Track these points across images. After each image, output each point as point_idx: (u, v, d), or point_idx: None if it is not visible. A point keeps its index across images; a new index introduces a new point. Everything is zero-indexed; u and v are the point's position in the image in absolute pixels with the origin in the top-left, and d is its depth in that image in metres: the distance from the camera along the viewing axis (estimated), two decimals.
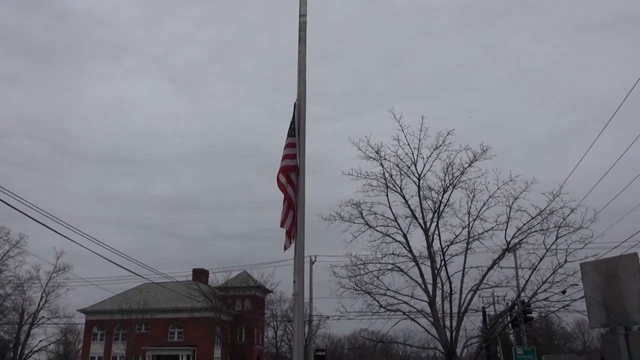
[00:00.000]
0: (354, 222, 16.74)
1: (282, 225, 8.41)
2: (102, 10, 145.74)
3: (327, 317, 49.87)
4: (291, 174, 8.53)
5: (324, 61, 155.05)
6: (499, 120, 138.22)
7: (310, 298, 40.18)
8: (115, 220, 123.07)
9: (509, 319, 19.32)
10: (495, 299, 33.29)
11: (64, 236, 17.60)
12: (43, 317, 60.99)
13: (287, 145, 8.77)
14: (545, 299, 15.71)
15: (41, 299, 60.10)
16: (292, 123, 8.95)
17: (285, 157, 8.67)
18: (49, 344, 68.07)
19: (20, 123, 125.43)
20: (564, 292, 16.30)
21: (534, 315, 28.16)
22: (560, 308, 15.77)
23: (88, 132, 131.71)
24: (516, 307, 17.94)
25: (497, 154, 16.31)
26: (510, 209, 15.70)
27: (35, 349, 64.84)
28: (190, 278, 62.82)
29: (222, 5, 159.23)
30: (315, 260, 40.99)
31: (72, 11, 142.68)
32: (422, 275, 16.38)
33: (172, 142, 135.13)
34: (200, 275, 63.71)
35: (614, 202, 21.20)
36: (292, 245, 8.48)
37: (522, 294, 16.27)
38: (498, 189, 16.11)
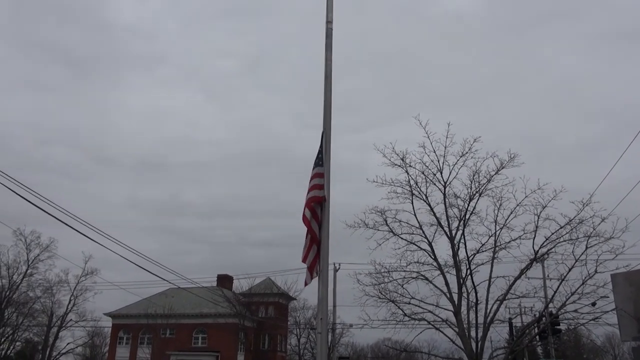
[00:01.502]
0: (378, 230, 16.64)
1: (304, 261, 8.25)
2: (141, 23, 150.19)
3: (351, 325, 49.67)
4: (316, 207, 8.35)
5: (353, 71, 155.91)
6: (528, 130, 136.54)
7: (334, 306, 40.10)
8: (145, 226, 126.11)
9: (536, 330, 18.89)
10: (523, 309, 32.65)
11: (93, 240, 17.88)
12: (71, 320, 62.14)
13: (315, 176, 8.60)
14: (575, 311, 15.34)
15: (69, 302, 61.27)
16: (320, 152, 8.81)
17: (313, 187, 8.49)
18: (76, 347, 69.24)
19: (59, 132, 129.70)
20: (593, 304, 15.90)
21: (562, 327, 27.54)
22: (589, 320, 15.38)
23: (123, 141, 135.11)
24: (544, 318, 17.52)
25: (525, 162, 16.07)
26: (538, 218, 15.41)
27: (63, 351, 65.99)
28: (215, 284, 63.35)
29: (255, 17, 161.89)
30: (339, 268, 40.90)
31: (112, 24, 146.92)
32: (447, 284, 16.17)
33: (202, 151, 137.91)
34: (224, 281, 64.08)
35: None
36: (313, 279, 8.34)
37: (550, 305, 15.90)
38: (526, 197, 15.84)
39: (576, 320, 15.83)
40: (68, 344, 65.32)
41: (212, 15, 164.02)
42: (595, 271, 14.53)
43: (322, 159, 8.71)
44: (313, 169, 8.74)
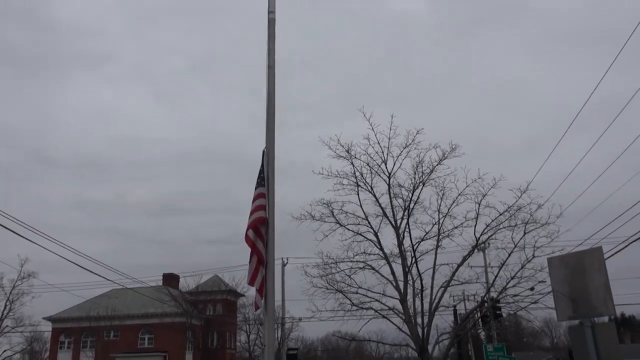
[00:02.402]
0: (324, 221, 16.74)
1: (251, 283, 8.00)
2: (87, 20, 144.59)
3: (300, 319, 49.76)
4: (261, 227, 8.13)
5: (304, 69, 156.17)
6: (471, 128, 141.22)
7: (283, 300, 40.09)
8: (91, 228, 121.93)
9: (478, 315, 19.54)
10: (466, 296, 33.68)
11: (28, 239, 17.13)
12: (7, 326, 59.24)
13: (258, 196, 8.34)
14: (515, 295, 15.94)
15: (5, 308, 58.37)
16: (261, 172, 8.56)
17: (255, 209, 8.23)
18: (14, 354, 66.14)
19: None
20: (532, 288, 16.58)
21: (504, 312, 28.60)
22: (529, 304, 16.01)
23: (67, 141, 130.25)
24: (486, 303, 18.13)
25: (468, 157, 16.54)
26: (479, 206, 15.91)
27: (0, 359, 63.02)
28: (161, 283, 62.01)
29: (204, 16, 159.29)
30: (287, 263, 40.85)
31: (57, 21, 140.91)
32: (393, 273, 16.46)
33: (151, 150, 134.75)
34: (170, 280, 62.79)
35: (579, 204, 21.77)
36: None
37: (492, 289, 16.46)
38: (467, 186, 16.31)
39: (516, 304, 16.43)
40: (5, 351, 62.38)
41: (161, 14, 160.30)
42: (533, 255, 15.16)
43: (263, 179, 8.48)
44: (255, 189, 8.47)
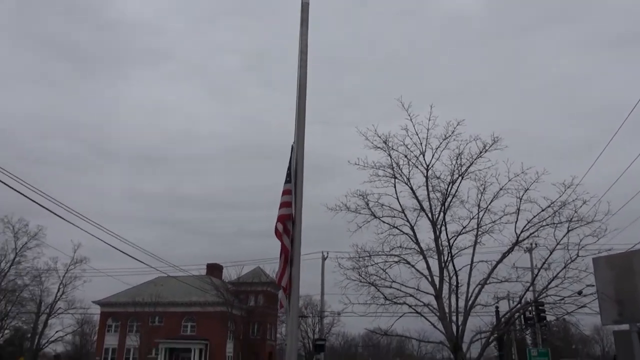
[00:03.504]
0: (359, 213, 16.41)
1: (279, 284, 7.85)
2: (147, 19, 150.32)
3: (339, 314, 49.58)
4: (288, 223, 7.98)
5: (350, 67, 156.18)
6: (521, 127, 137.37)
7: (322, 294, 39.95)
8: (144, 218, 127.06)
9: (518, 316, 18.76)
10: (511, 297, 32.61)
11: (80, 228, 17.74)
12: (60, 308, 61.87)
13: (284, 192, 8.20)
14: (561, 299, 15.15)
15: (58, 290, 60.97)
16: (289, 168, 8.36)
17: (282, 205, 8.11)
18: (65, 335, 69.07)
19: (61, 126, 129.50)
20: (580, 292, 15.77)
21: (549, 316, 27.44)
22: (576, 308, 15.21)
23: (124, 134, 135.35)
24: (523, 304, 17.36)
25: (515, 157, 15.76)
26: (520, 201, 15.21)
27: (52, 339, 65.81)
28: (205, 273, 63.20)
29: (259, 15, 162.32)
30: (327, 257, 40.69)
31: (118, 20, 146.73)
32: (429, 268, 15.98)
33: (203, 145, 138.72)
34: (214, 270, 63.89)
35: (632, 205, 20.61)
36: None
37: (532, 288, 15.72)
38: (509, 180, 15.62)
39: (560, 307, 15.63)
40: (57, 331, 65.19)
41: (217, 13, 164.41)
42: (577, 255, 14.37)
43: (290, 175, 8.31)
44: (284, 184, 8.33)
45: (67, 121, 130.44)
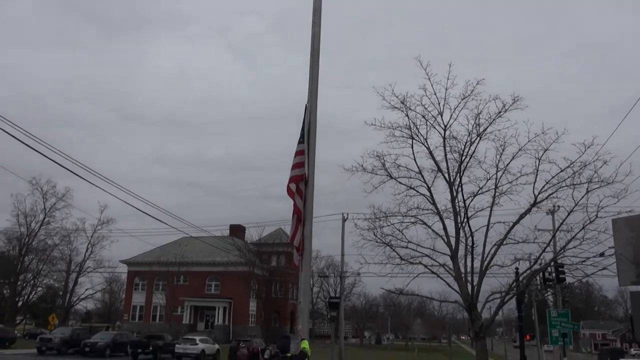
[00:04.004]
0: (376, 174, 16.35)
1: (292, 241, 7.99)
2: None
3: (359, 274, 50.05)
4: (300, 184, 8.04)
5: (382, 27, 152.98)
6: (554, 89, 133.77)
7: (342, 255, 40.25)
8: (170, 181, 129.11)
9: (534, 276, 18.68)
10: (530, 256, 32.50)
11: (105, 190, 18.03)
12: (89, 267, 63.87)
13: (297, 153, 8.21)
14: (583, 261, 15.00)
15: (87, 250, 62.81)
16: (302, 129, 8.35)
17: (294, 166, 8.15)
18: (95, 292, 71.46)
19: (88, 90, 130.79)
20: (602, 254, 15.60)
21: (568, 278, 27.27)
22: (597, 271, 15.06)
23: (149, 98, 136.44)
24: (541, 263, 17.26)
25: (541, 119, 15.32)
26: (539, 161, 14.93)
27: (82, 296, 68.19)
28: (228, 234, 64.26)
29: None
30: (347, 218, 40.82)
31: None
32: (445, 228, 15.96)
33: (228, 108, 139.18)
34: (236, 231, 64.90)
35: None
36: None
37: (549, 249, 15.60)
38: (529, 141, 15.31)
39: (580, 270, 15.48)
40: (87, 289, 67.47)
41: None
42: (596, 216, 14.14)
43: (303, 135, 8.26)
44: (297, 144, 8.32)
45: (93, 85, 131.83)
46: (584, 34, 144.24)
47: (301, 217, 7.97)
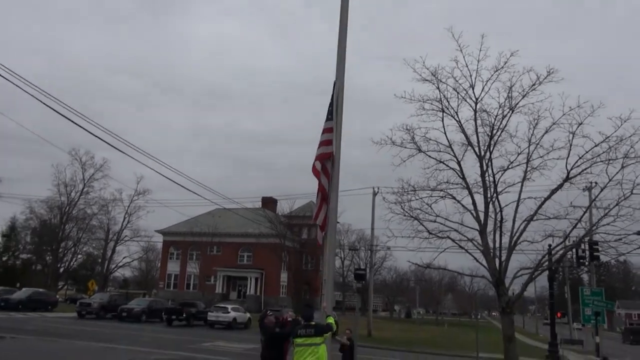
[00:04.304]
0: (405, 147, 16.22)
1: (315, 220, 7.98)
2: None
3: (389, 248, 50.22)
4: (327, 163, 7.94)
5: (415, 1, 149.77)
6: (600, 61, 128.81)
7: (372, 229, 40.37)
8: (206, 152, 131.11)
9: (565, 253, 18.36)
10: (565, 233, 32.02)
11: (141, 162, 18.47)
12: (126, 236, 65.87)
13: (325, 131, 8.07)
14: (620, 239, 14.66)
15: (124, 220, 64.70)
16: (331, 105, 8.20)
17: (322, 143, 8.03)
18: (132, 261, 73.84)
19: (128, 62, 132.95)
20: (639, 232, 15.23)
21: (603, 256, 26.71)
22: (634, 250, 14.71)
23: (188, 71, 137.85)
24: (572, 240, 16.95)
25: (594, 98, 14.81)
26: (573, 136, 14.54)
27: (120, 264, 70.54)
28: (260, 206, 65.02)
29: None
30: (378, 192, 40.76)
31: None
32: (474, 203, 15.81)
33: (264, 80, 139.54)
34: (269, 203, 65.58)
35: None
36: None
37: (580, 225, 15.27)
38: (563, 115, 14.92)
39: (613, 248, 15.15)
40: (124, 257, 69.74)
41: None
42: (632, 192, 13.77)
43: (332, 112, 8.12)
44: (325, 122, 8.18)
45: (133, 57, 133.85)
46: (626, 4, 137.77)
47: (326, 195, 7.93)
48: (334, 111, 8.20)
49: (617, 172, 13.90)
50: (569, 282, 45.92)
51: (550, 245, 24.66)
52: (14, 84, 12.48)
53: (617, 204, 14.00)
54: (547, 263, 16.13)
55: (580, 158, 14.66)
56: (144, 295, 69.04)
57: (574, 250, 25.58)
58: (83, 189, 62.74)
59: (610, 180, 14.04)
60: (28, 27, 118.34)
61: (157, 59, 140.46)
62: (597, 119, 14.07)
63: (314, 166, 8.06)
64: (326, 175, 8.02)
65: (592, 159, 14.55)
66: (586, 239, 19.90)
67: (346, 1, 9.16)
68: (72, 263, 67.22)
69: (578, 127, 14.40)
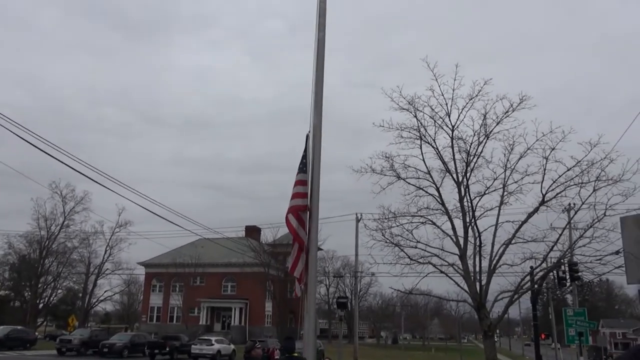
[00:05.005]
0: (385, 174, 16.51)
1: (291, 272, 7.75)
2: None
3: (373, 274, 50.19)
4: (302, 214, 7.82)
5: (397, 28, 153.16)
6: (576, 84, 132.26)
7: (356, 255, 40.48)
8: (190, 182, 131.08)
9: (545, 275, 18.65)
10: (544, 255, 32.47)
11: (122, 195, 18.47)
12: (107, 269, 64.73)
13: (297, 183, 7.97)
14: (599, 259, 14.99)
15: (105, 252, 63.71)
16: (304, 157, 8.13)
17: (295, 195, 7.91)
18: (114, 294, 72.34)
19: (112, 93, 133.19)
20: (617, 252, 15.59)
21: (585, 276, 27.10)
22: (612, 269, 15.05)
23: (171, 101, 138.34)
24: (552, 261, 17.28)
25: (570, 117, 15.34)
26: (546, 161, 14.97)
27: (102, 298, 69.16)
28: (243, 234, 64.70)
29: None
30: (361, 218, 40.96)
31: None
32: (454, 228, 16.06)
33: (247, 110, 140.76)
34: (252, 232, 65.33)
35: None
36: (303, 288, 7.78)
37: (556, 247, 15.59)
38: (537, 140, 15.37)
39: (591, 269, 15.48)
40: (106, 291, 68.33)
41: None
42: (604, 214, 14.16)
43: (305, 164, 8.05)
44: (297, 174, 8.09)
45: (116, 89, 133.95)
46: (602, 28, 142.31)
47: (304, 246, 7.77)
48: (309, 164, 8.11)
49: (589, 195, 14.34)
50: (553, 303, 46.30)
51: (532, 267, 25.03)
52: None
53: (591, 226, 14.37)
54: (527, 285, 16.36)
55: (554, 182, 15.09)
56: (125, 329, 67.69)
57: (555, 271, 25.96)
58: (63, 222, 61.86)
59: (583, 203, 14.45)
60: (8, 59, 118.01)
61: (139, 91, 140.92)
62: (569, 143, 14.55)
63: (287, 220, 7.87)
64: (303, 227, 7.84)
65: (566, 182, 14.98)
66: (565, 260, 20.28)
67: (323, 27, 9.31)
68: (52, 298, 65.80)
69: (551, 152, 14.87)
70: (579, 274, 26.22)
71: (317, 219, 8.17)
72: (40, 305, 62.72)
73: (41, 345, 42.63)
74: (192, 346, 35.59)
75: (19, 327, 42.98)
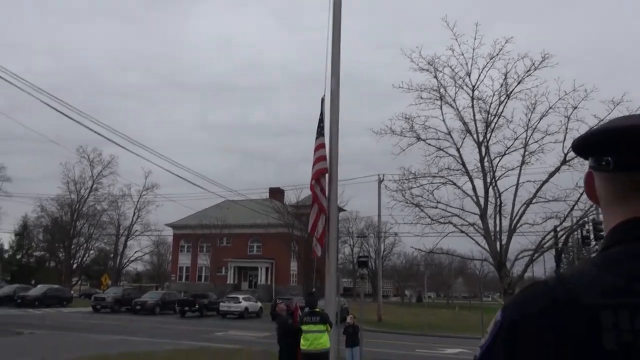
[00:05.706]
0: (404, 136, 16.56)
1: (311, 233, 8.02)
2: None
3: (396, 234, 50.60)
4: (322, 178, 8.01)
5: None
6: (597, 41, 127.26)
7: (379, 215, 40.82)
8: (214, 146, 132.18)
9: (564, 234, 18.67)
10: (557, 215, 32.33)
11: (147, 159, 18.97)
12: (137, 230, 66.77)
13: (318, 147, 8.09)
14: None
15: (134, 214, 65.59)
16: (321, 121, 8.22)
17: (317, 160, 8.06)
18: (144, 255, 74.79)
19: (136, 59, 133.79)
20: None
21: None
22: None
23: (196, 65, 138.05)
24: (572, 221, 17.30)
25: (593, 77, 15.11)
26: (568, 120, 14.83)
27: (132, 259, 71.57)
28: (267, 196, 65.54)
29: None
30: (383, 179, 41.13)
31: None
32: (474, 188, 16.14)
33: (271, 73, 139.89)
34: (276, 193, 66.09)
35: None
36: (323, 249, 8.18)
37: (580, 206, 15.53)
38: (559, 99, 15.18)
39: None
40: (136, 251, 70.67)
41: None
42: None
43: (323, 128, 8.21)
44: (316, 139, 8.25)
45: (141, 55, 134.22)
46: None
47: (324, 209, 8.04)
48: (326, 126, 8.31)
49: None
50: (578, 263, 46.28)
51: (556, 226, 25.02)
52: (20, 88, 12.94)
53: None
54: (547, 244, 16.44)
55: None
56: (156, 288, 70.01)
57: (579, 230, 25.91)
58: (92, 185, 63.66)
59: None
60: (33, 28, 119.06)
61: (163, 56, 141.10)
62: (591, 102, 14.36)
63: (311, 184, 8.18)
64: (322, 189, 8.12)
65: None
66: (589, 218, 20.23)
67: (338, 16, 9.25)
68: (84, 259, 68.28)
69: (573, 110, 14.70)
70: (603, 232, 26.19)
71: (336, 180, 8.41)
72: (74, 266, 65.17)
73: (77, 303, 44.60)
74: (221, 304, 36.83)
75: (55, 286, 44.95)
